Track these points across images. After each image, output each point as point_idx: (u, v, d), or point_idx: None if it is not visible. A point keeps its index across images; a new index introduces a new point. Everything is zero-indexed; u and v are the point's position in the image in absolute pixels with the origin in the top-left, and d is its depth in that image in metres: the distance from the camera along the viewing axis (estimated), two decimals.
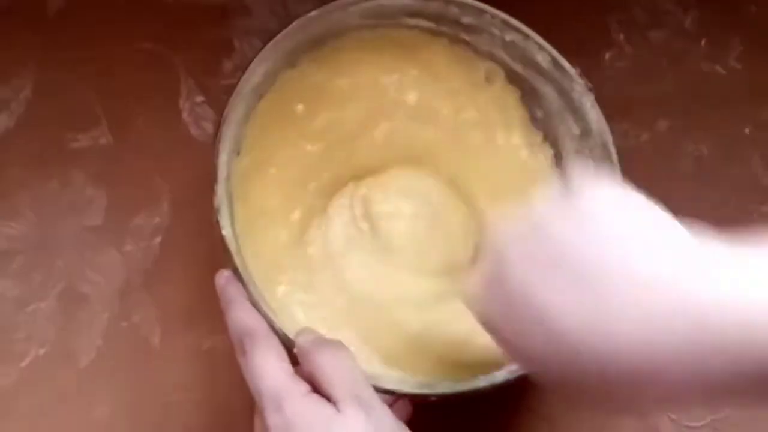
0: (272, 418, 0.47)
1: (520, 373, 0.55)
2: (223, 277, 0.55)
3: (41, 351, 0.65)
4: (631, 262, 0.39)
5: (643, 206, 0.42)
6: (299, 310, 0.61)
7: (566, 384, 0.43)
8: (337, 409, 0.47)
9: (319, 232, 0.64)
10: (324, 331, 0.54)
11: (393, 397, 0.56)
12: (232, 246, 0.55)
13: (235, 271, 0.55)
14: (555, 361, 0.42)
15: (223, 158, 0.57)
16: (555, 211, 0.43)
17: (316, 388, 0.48)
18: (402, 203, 0.65)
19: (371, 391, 0.48)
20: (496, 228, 0.46)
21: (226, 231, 0.56)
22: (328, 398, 0.47)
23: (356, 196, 0.65)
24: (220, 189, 0.56)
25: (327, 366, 0.48)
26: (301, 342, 0.51)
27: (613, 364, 0.39)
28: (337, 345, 0.51)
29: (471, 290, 0.48)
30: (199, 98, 0.70)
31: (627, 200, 0.42)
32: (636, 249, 0.40)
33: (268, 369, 0.49)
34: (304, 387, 0.48)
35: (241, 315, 0.53)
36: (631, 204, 0.42)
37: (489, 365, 0.56)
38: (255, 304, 0.54)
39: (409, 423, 0.56)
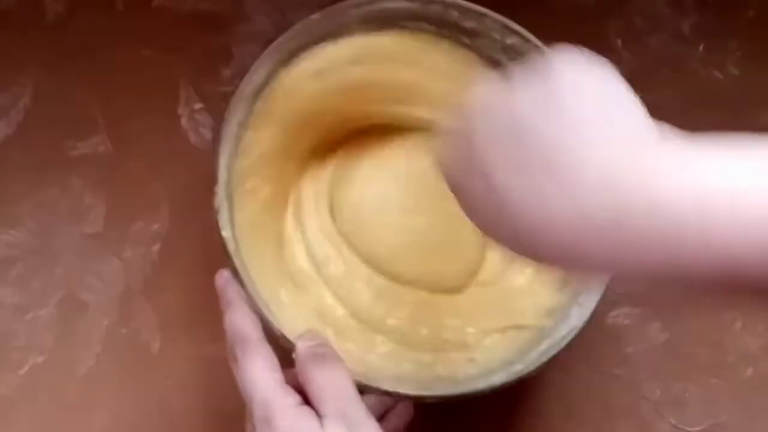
0: (261, 431, 0.48)
1: (519, 376, 0.56)
2: (223, 277, 0.55)
3: (40, 358, 0.65)
4: (578, 145, 0.39)
5: (611, 89, 0.42)
6: (298, 311, 0.61)
7: (505, 242, 0.43)
8: (322, 425, 0.47)
9: (300, 234, 0.65)
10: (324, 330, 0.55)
11: (393, 400, 0.56)
12: (231, 247, 0.55)
13: (235, 273, 0.55)
14: (496, 220, 0.42)
15: (223, 160, 0.58)
16: (522, 89, 0.43)
17: (308, 399, 0.48)
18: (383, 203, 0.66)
19: (360, 408, 0.48)
20: (471, 97, 0.46)
21: (226, 232, 0.56)
22: (317, 411, 0.48)
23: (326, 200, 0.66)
24: (220, 190, 0.56)
25: (318, 381, 0.49)
26: (299, 349, 0.51)
27: (542, 235, 0.40)
28: (331, 358, 0.51)
29: (440, 147, 0.48)
30: (198, 105, 0.71)
31: (596, 81, 0.42)
32: (586, 135, 0.40)
33: (258, 379, 0.49)
34: (293, 399, 0.48)
35: (235, 320, 0.53)
36: (599, 86, 0.42)
37: None
38: (253, 306, 0.54)
39: (408, 424, 0.57)
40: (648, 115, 0.41)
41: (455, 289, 0.65)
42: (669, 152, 0.38)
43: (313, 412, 0.47)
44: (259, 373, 0.49)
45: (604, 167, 0.38)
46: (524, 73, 0.43)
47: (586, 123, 0.40)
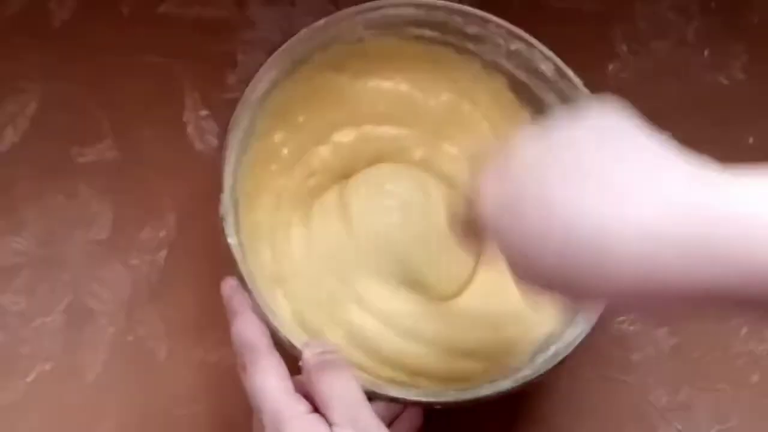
0: None
1: (526, 381, 0.56)
2: (228, 285, 0.55)
3: (47, 366, 0.65)
4: (638, 169, 0.40)
5: (655, 136, 0.42)
6: (304, 318, 0.61)
7: (555, 277, 0.43)
8: None
9: (307, 237, 0.64)
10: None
11: (401, 406, 0.56)
12: (237, 254, 0.55)
13: (241, 280, 0.55)
14: (550, 242, 0.42)
15: (229, 167, 0.58)
16: (569, 121, 0.44)
17: (317, 406, 0.49)
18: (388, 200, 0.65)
19: (369, 415, 0.48)
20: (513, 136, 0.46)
21: (232, 239, 0.56)
22: (327, 419, 0.48)
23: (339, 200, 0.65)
24: (226, 197, 0.56)
25: (326, 389, 0.49)
26: (306, 357, 0.51)
27: (604, 257, 0.40)
28: (338, 365, 0.50)
29: (477, 181, 0.47)
30: (204, 112, 0.71)
31: (640, 129, 0.43)
32: (645, 159, 0.40)
33: (268, 388, 0.49)
34: (303, 407, 0.48)
35: (242, 328, 0.53)
36: (645, 133, 0.42)
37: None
38: (259, 314, 0.54)
39: (417, 430, 0.56)
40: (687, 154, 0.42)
41: (449, 296, 0.65)
42: (717, 184, 0.39)
43: (323, 420, 0.47)
44: (268, 382, 0.49)
45: (662, 197, 0.39)
46: (566, 115, 0.44)
47: (637, 155, 0.41)
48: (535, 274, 0.44)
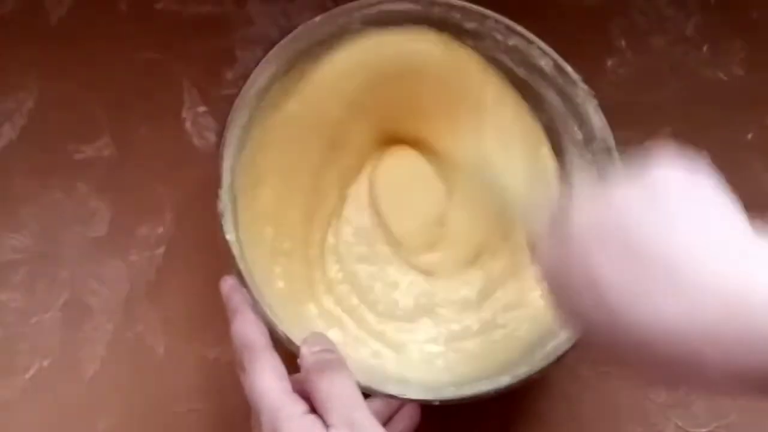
0: None
1: (524, 378, 0.56)
2: (227, 284, 0.55)
3: (45, 362, 0.65)
4: (689, 248, 0.41)
5: (711, 193, 0.43)
6: (305, 313, 0.61)
7: (604, 347, 0.45)
8: None
9: (324, 230, 0.65)
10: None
11: (399, 403, 0.56)
12: (235, 250, 0.55)
13: (239, 276, 0.55)
14: (599, 325, 0.43)
15: (227, 163, 0.58)
16: (625, 189, 0.44)
17: (314, 406, 0.49)
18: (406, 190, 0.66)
19: (366, 415, 0.48)
20: (569, 196, 0.47)
21: (230, 235, 0.56)
22: (324, 420, 0.48)
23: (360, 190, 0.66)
24: (224, 194, 0.57)
25: (324, 389, 0.49)
26: (304, 355, 0.51)
27: (651, 340, 0.41)
28: (336, 364, 0.51)
29: (537, 240, 0.48)
30: (202, 108, 0.71)
31: (697, 185, 0.43)
32: (696, 237, 0.41)
33: (266, 388, 0.49)
34: (300, 407, 0.48)
35: (241, 327, 0.53)
36: (701, 189, 0.43)
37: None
38: (258, 311, 0.54)
39: (414, 427, 0.56)
40: (741, 211, 0.43)
41: (447, 273, 0.65)
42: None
43: (320, 421, 0.47)
44: (267, 383, 0.49)
45: (709, 268, 0.40)
46: (622, 173, 0.45)
47: (690, 226, 0.41)
48: (575, 320, 0.46)
